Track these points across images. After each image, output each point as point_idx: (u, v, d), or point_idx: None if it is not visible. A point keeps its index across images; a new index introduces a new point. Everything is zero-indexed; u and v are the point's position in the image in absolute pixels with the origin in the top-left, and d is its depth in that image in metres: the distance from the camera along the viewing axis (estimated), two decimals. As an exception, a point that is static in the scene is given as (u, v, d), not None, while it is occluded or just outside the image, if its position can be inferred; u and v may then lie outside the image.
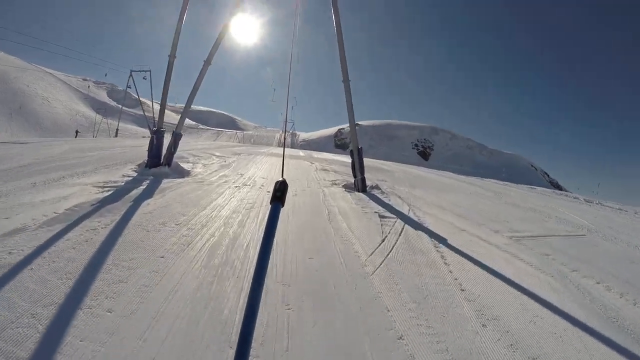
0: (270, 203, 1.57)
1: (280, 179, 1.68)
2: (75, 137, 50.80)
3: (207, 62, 12.83)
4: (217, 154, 19.27)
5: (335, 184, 12.72)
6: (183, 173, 12.11)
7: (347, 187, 12.12)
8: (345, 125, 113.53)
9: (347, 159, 15.25)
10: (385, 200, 10.78)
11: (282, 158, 8.58)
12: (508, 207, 12.08)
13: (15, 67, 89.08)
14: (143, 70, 56.91)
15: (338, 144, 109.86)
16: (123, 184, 9.69)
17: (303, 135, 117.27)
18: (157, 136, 12.56)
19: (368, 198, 10.84)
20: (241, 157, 19.19)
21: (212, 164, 15.29)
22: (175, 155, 12.81)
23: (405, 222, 8.34)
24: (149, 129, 13.48)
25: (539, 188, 21.42)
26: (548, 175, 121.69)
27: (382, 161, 33.94)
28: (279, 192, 1.61)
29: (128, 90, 61.68)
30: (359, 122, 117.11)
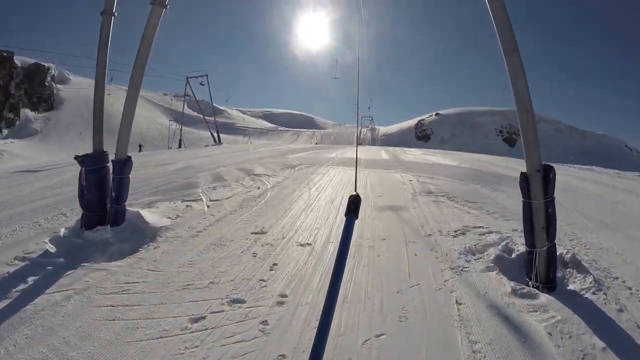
0: (345, 216, 1.57)
1: (354, 193, 1.65)
2: (139, 150, 46.29)
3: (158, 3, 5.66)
4: (259, 170, 12.65)
5: (472, 254, 5.23)
6: (138, 242, 5.43)
7: (504, 271, 4.62)
8: (426, 116, 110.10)
9: (447, 161, 15.36)
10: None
11: (355, 169, 6.73)
12: None
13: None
14: (200, 76, 53.74)
15: (419, 136, 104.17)
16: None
17: (383, 130, 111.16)
18: (91, 168, 5.80)
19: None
20: (294, 175, 12.59)
21: (229, 197, 8.47)
22: (184, 181, 9.18)
23: None
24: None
25: None
26: None
27: (477, 155, 27.50)
28: (353, 205, 1.59)
29: (187, 97, 58.23)
30: (439, 112, 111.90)
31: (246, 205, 7.79)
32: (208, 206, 7.60)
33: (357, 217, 1.58)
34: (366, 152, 25.91)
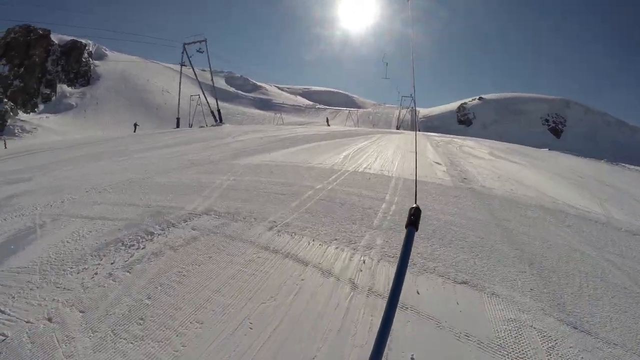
0: (405, 227, 1.46)
1: (414, 205, 1.53)
2: (134, 130, 41.02)
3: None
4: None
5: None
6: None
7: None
8: (468, 99, 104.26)
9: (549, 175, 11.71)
10: None
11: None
12: None
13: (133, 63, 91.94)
14: (197, 42, 46.44)
15: (461, 119, 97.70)
16: None
17: (423, 112, 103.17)
18: None
19: None
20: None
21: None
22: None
23: None
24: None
25: None
26: None
27: (569, 160, 20.82)
28: (414, 217, 1.49)
29: (184, 66, 48.74)
30: (482, 96, 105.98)
31: None
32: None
33: (417, 229, 1.45)
34: (401, 147, 16.36)
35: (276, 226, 5.89)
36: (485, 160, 14.69)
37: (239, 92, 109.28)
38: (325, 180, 8.78)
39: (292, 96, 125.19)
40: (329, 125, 53.30)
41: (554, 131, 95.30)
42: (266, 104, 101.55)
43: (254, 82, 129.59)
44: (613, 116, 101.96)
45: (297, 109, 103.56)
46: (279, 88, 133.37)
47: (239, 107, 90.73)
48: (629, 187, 12.99)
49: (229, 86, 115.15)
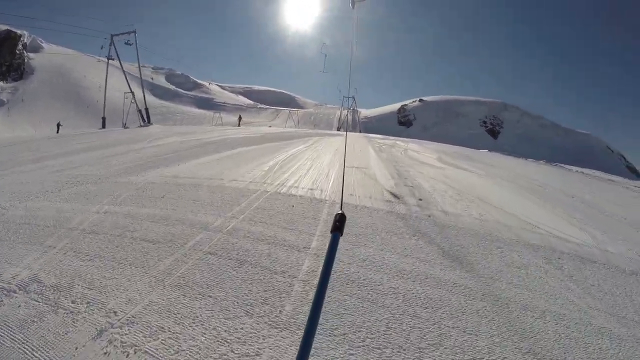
0: (331, 232, 1.52)
1: (339, 211, 1.62)
2: (57, 131, 36.10)
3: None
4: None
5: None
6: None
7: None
8: (409, 101, 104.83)
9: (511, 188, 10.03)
10: None
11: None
12: None
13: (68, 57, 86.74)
14: (126, 33, 41.53)
15: (402, 121, 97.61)
16: None
17: (364, 112, 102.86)
18: None
19: None
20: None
21: None
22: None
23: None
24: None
25: None
26: (625, 159, 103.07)
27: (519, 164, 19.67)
28: (339, 222, 1.56)
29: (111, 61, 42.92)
30: (423, 98, 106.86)
31: None
32: None
33: (342, 234, 1.52)
34: (340, 152, 14.26)
35: (112, 326, 3.21)
36: (436, 168, 12.63)
37: (179, 90, 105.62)
38: (230, 211, 6.14)
39: (233, 95, 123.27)
40: (239, 125, 50.23)
41: (491, 133, 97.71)
42: (207, 103, 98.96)
43: (195, 80, 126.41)
44: (548, 119, 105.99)
45: (238, 108, 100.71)
46: (220, 87, 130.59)
47: (179, 106, 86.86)
48: (593, 197, 11.78)
49: (169, 84, 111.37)
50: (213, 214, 5.94)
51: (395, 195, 7.67)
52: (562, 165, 28.56)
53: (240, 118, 60.74)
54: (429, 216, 6.39)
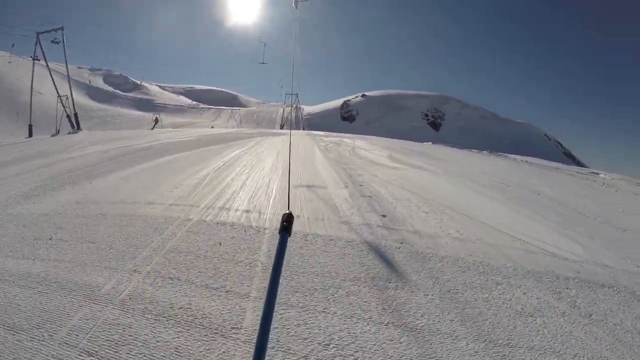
0: (279, 233, 1.46)
1: (287, 211, 1.55)
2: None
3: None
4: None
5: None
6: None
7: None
8: (352, 97, 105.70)
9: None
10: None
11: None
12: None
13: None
14: (53, 30, 37.58)
15: (345, 116, 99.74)
16: None
17: (308, 109, 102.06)
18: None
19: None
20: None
21: None
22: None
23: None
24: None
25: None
26: (562, 146, 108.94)
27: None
28: (286, 223, 1.49)
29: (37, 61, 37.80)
30: (365, 93, 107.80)
31: None
32: None
33: (289, 234, 1.47)
34: (283, 155, 13.11)
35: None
36: (390, 169, 11.49)
37: (118, 92, 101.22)
38: (133, 258, 4.28)
39: (174, 96, 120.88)
40: (153, 128, 47.20)
41: (433, 125, 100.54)
42: (147, 105, 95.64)
43: (134, 80, 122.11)
44: (488, 110, 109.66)
45: (179, 109, 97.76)
46: (160, 87, 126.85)
47: (117, 109, 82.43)
48: (554, 192, 11.20)
49: (107, 85, 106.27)
50: (108, 266, 4.06)
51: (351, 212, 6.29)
52: (506, 154, 28.86)
53: (156, 120, 56.32)
54: (402, 242, 4.93)
